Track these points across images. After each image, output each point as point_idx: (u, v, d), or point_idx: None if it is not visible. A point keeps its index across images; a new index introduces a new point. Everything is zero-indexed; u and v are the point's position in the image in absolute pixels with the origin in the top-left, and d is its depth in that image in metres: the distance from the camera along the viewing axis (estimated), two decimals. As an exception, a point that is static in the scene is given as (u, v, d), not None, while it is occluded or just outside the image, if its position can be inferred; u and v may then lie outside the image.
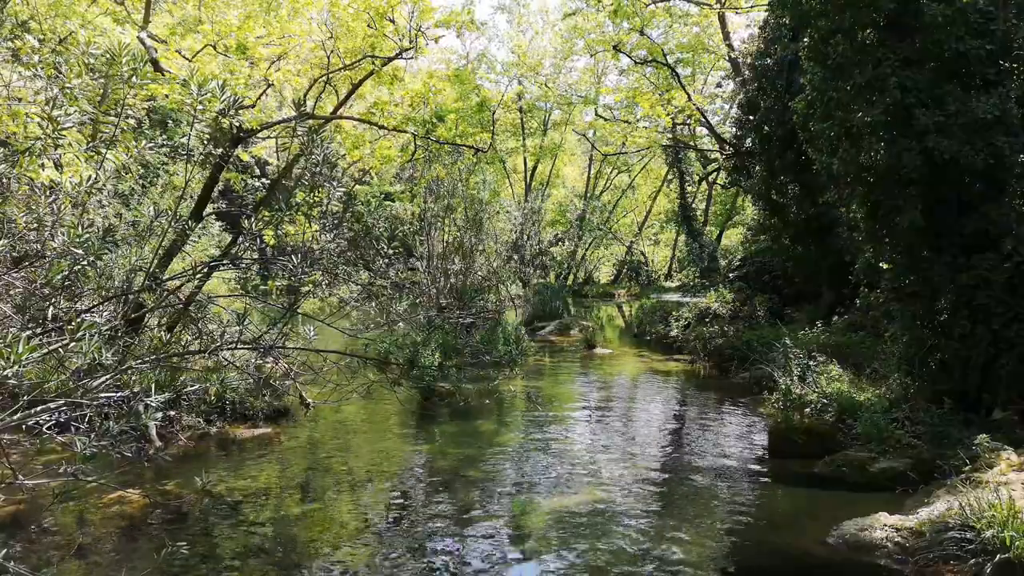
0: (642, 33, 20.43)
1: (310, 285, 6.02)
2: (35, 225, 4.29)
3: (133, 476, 6.67)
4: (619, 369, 14.60)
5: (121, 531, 5.51)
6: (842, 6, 7.70)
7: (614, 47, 21.18)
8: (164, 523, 5.71)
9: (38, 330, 4.31)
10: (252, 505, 6.19)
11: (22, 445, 5.88)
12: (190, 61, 9.06)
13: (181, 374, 7.65)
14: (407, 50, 10.08)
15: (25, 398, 3.85)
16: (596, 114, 31.25)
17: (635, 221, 42.11)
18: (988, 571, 4.50)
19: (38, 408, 3.87)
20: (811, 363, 9.11)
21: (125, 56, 4.13)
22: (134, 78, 4.19)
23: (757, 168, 15.54)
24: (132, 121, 4.57)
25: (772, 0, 13.05)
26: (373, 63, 10.30)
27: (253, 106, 9.26)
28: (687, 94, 20.73)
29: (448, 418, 9.71)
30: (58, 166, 5.40)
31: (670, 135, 23.51)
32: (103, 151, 4.27)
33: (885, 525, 5.38)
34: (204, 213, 9.82)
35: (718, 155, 23.33)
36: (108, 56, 4.18)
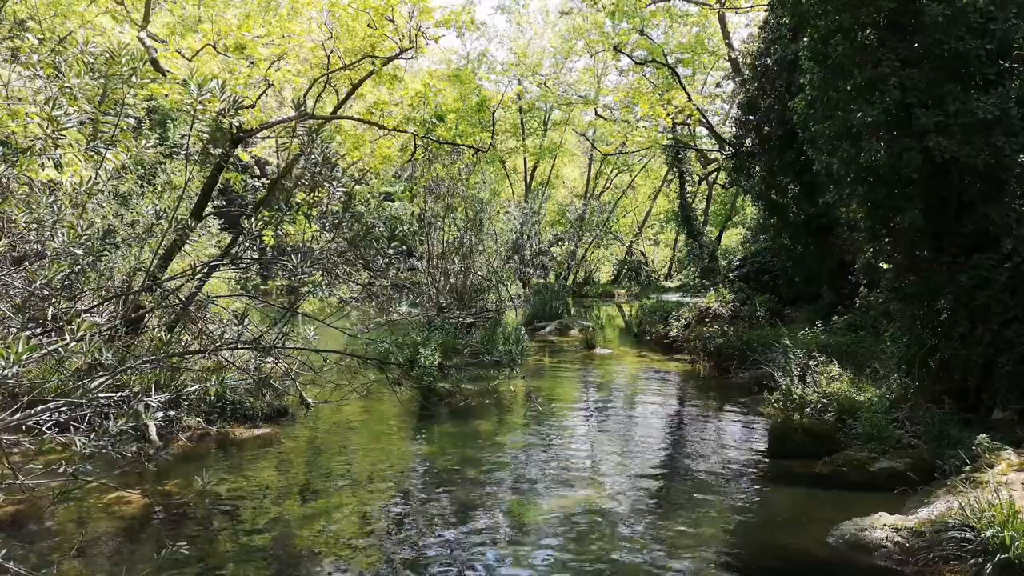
0: (642, 33, 20.45)
1: (310, 285, 6.02)
2: (35, 225, 4.29)
3: (133, 476, 6.67)
4: (619, 369, 14.59)
5: (121, 531, 5.51)
6: (842, 6, 7.69)
7: (614, 47, 21.21)
8: (164, 523, 5.71)
9: (38, 330, 4.31)
10: (252, 505, 6.19)
11: (22, 445, 5.88)
12: (190, 61, 9.06)
13: (181, 374, 7.64)
14: (407, 50, 10.08)
15: (25, 398, 3.85)
16: (596, 114, 31.25)
17: (635, 221, 42.08)
18: (988, 571, 4.49)
19: (38, 408, 3.87)
20: (811, 363, 9.11)
21: (124, 56, 4.13)
22: (134, 78, 4.19)
23: (757, 168, 15.53)
24: (132, 121, 4.56)
25: (772, 0, 13.07)
26: (373, 63, 10.29)
27: (253, 106, 9.25)
28: (687, 94, 20.74)
29: (448, 418, 9.71)
30: (58, 166, 5.40)
31: (670, 135, 23.51)
32: (103, 151, 4.27)
33: (885, 525, 5.38)
34: (204, 213, 9.81)
35: (718, 155, 23.33)
36: (107, 56, 4.18)
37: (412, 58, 10.75)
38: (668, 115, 20.58)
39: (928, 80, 7.33)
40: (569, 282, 32.25)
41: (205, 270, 7.31)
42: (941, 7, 7.12)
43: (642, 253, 42.47)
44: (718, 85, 26.86)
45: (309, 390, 9.28)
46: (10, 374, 3.10)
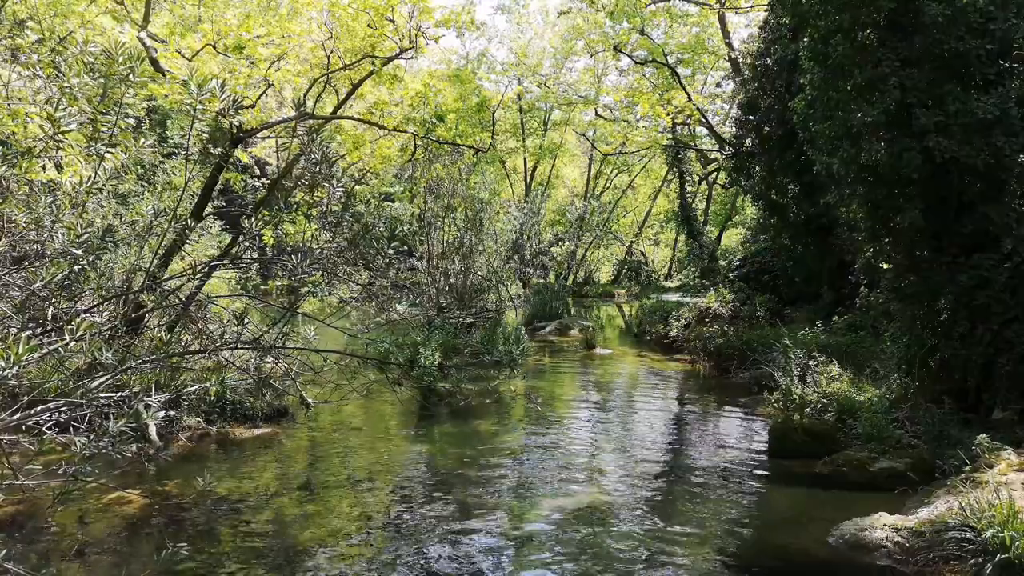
0: (642, 33, 20.45)
1: (310, 285, 6.02)
2: (35, 225, 4.29)
3: (133, 476, 6.67)
4: (619, 369, 14.59)
5: (121, 531, 5.51)
6: (842, 6, 7.69)
7: (614, 47, 21.21)
8: (164, 523, 5.71)
9: (38, 330, 4.31)
10: (252, 505, 6.19)
11: (22, 445, 5.88)
12: (190, 61, 9.06)
13: (181, 374, 7.64)
14: (407, 50, 10.08)
15: (25, 398, 3.84)
16: (596, 114, 31.25)
17: (635, 221, 42.09)
18: (988, 571, 4.49)
19: (38, 408, 3.87)
20: (811, 363, 9.10)
21: (122, 55, 4.13)
22: (132, 77, 4.19)
23: (757, 168, 15.53)
24: (131, 121, 4.56)
25: (772, 0, 13.07)
26: (373, 63, 10.29)
27: (253, 106, 9.25)
28: (687, 94, 20.75)
29: (448, 418, 9.71)
30: (58, 167, 5.39)
31: (670, 135, 23.51)
32: (103, 151, 4.27)
33: (885, 525, 5.38)
34: (204, 213, 9.81)
35: (718, 155, 23.33)
36: (106, 55, 4.18)
37: (412, 58, 10.76)
38: (668, 115, 20.59)
39: (928, 80, 7.33)
40: (569, 282, 32.27)
41: (205, 270, 7.31)
42: (941, 7, 7.12)
43: (642, 253, 42.46)
44: (718, 85, 26.87)
45: (309, 390, 9.28)
46: (10, 374, 3.10)
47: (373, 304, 9.40)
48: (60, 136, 3.97)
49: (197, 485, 6.35)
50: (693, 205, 31.71)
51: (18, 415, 3.73)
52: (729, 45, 20.17)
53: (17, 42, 6.15)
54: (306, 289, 6.11)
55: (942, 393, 7.81)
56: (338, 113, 11.19)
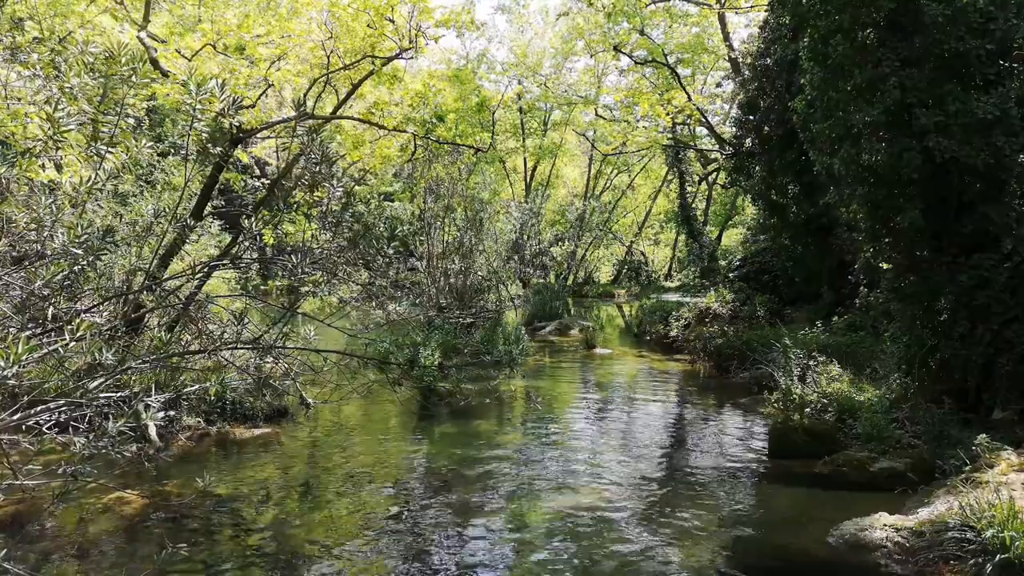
0: (642, 33, 20.47)
1: (310, 285, 6.02)
2: (35, 225, 4.29)
3: (133, 476, 6.67)
4: (619, 369, 14.59)
5: (121, 531, 5.51)
6: (842, 6, 7.69)
7: (614, 47, 21.22)
8: (164, 523, 5.71)
9: (38, 330, 4.31)
10: (252, 505, 6.19)
11: (22, 445, 5.88)
12: (189, 60, 9.05)
13: (181, 374, 7.64)
14: (407, 50, 10.08)
15: (25, 398, 3.85)
16: (596, 114, 31.26)
17: (635, 221, 42.11)
18: (988, 571, 4.49)
19: (38, 408, 3.87)
20: (811, 363, 9.10)
21: (124, 56, 4.13)
22: (133, 78, 4.19)
23: (757, 168, 15.53)
24: (132, 121, 4.57)
25: (772, 0, 13.07)
26: (373, 63, 10.29)
27: (253, 106, 9.25)
28: (687, 94, 20.76)
29: (448, 418, 9.71)
30: (58, 167, 5.39)
31: (670, 135, 23.51)
32: (103, 151, 4.27)
33: (885, 525, 5.38)
34: (204, 213, 9.81)
35: (718, 155, 23.33)
36: (107, 56, 4.18)
37: (412, 58, 10.75)
38: (668, 115, 20.60)
39: (928, 80, 7.33)
40: (569, 282, 32.25)
41: (205, 270, 7.31)
42: (941, 7, 7.12)
43: (642, 253, 42.49)
44: (718, 85, 26.87)
45: (309, 390, 9.28)
46: (10, 374, 3.10)
47: (373, 304, 9.40)
48: (60, 136, 3.97)
49: (197, 485, 6.35)
50: (693, 205, 31.73)
51: (18, 415, 3.74)
52: (729, 45, 20.17)
53: (17, 40, 6.16)
54: (306, 289, 6.11)
55: (942, 393, 7.81)
56: (338, 113, 11.18)
